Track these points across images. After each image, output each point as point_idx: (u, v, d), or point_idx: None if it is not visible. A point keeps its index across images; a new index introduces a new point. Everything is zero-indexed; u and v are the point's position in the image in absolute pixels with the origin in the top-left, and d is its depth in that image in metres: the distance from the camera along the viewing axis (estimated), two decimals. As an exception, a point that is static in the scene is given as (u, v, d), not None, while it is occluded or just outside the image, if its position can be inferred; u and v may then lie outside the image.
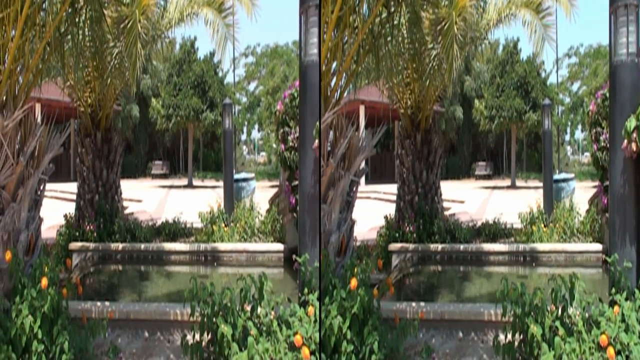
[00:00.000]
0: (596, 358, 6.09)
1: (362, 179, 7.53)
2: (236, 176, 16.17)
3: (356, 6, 7.13)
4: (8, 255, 6.72)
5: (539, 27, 11.92)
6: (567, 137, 29.21)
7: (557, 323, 6.38)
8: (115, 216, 12.70)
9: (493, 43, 22.77)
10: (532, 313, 6.47)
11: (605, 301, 6.66)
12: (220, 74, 27.13)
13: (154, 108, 25.68)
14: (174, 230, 13.45)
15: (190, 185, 24.73)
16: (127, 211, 13.97)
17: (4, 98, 6.89)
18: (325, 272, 6.82)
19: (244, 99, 28.54)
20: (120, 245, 11.85)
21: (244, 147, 29.08)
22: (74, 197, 13.00)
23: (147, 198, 19.96)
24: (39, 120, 7.35)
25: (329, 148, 7.07)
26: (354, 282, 6.55)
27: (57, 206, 13.64)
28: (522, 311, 6.48)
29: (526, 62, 25.41)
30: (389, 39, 7.59)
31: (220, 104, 24.46)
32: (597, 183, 12.65)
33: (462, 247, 11.67)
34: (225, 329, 6.37)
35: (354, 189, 7.34)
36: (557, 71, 28.50)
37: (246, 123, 28.53)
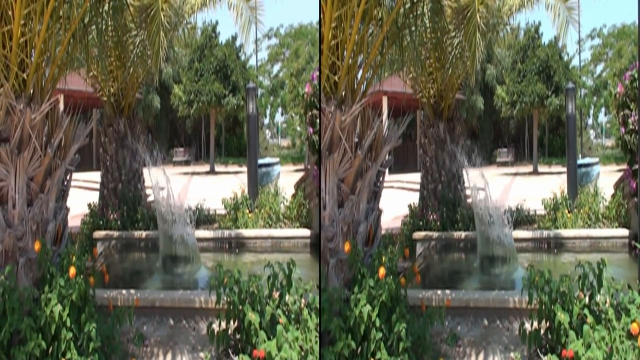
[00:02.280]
0: (626, 347, 6.05)
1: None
2: (260, 161, 16.12)
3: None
4: (37, 245, 6.82)
5: (562, 10, 11.77)
6: (590, 121, 28.93)
7: (586, 311, 6.35)
8: (138, 204, 12.77)
9: (514, 28, 22.58)
10: (558, 300, 6.46)
11: (633, 288, 6.61)
12: (242, 58, 27.05)
13: (175, 95, 25.71)
14: (197, 217, 13.48)
15: (212, 172, 24.75)
16: (149, 199, 14.05)
17: (32, 91, 6.95)
18: (354, 261, 6.85)
19: (267, 82, 28.40)
20: (143, 233, 11.91)
21: (267, 131, 29.00)
22: (98, 186, 13.09)
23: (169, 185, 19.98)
24: (61, 111, 7.41)
25: (356, 140, 7.08)
26: (382, 271, 6.59)
27: (81, 195, 13.73)
28: (548, 298, 6.46)
29: (548, 46, 25.17)
30: (412, 29, 7.57)
31: (243, 88, 24.46)
32: (622, 167, 12.50)
33: (485, 233, 11.63)
34: (253, 316, 6.40)
35: (381, 179, 7.36)
36: (579, 54, 28.19)
37: (269, 106, 28.42)
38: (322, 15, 6.85)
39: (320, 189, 6.89)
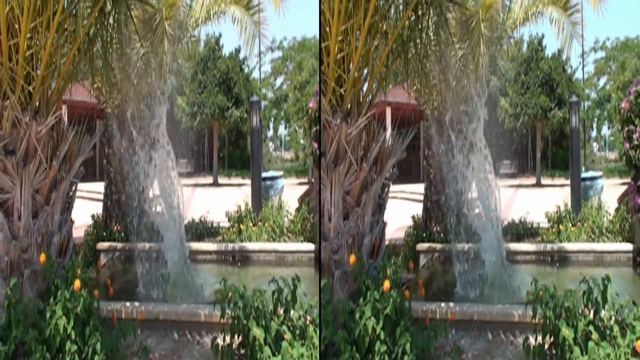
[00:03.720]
0: (632, 364, 6.04)
1: (388, 179, 7.59)
2: (264, 174, 16.12)
3: (386, 12, 7.18)
4: (42, 257, 6.84)
5: (566, 25, 11.78)
6: (594, 134, 28.93)
7: (590, 327, 6.33)
8: (142, 216, 12.76)
9: (517, 41, 22.62)
10: (563, 315, 6.44)
11: (638, 304, 6.59)
12: (246, 70, 27.10)
13: (178, 107, 25.76)
14: (200, 230, 13.48)
15: (215, 184, 24.77)
16: (158, 209, 14.02)
17: (37, 104, 6.99)
18: (359, 273, 6.87)
19: (270, 94, 28.41)
20: (147, 245, 11.88)
21: (270, 144, 29.01)
22: (101, 197, 13.10)
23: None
24: (66, 122, 7.44)
25: (361, 152, 7.11)
26: (386, 284, 6.61)
27: (84, 206, 13.71)
28: (552, 313, 6.45)
29: (551, 59, 25.20)
30: (417, 41, 7.63)
31: (246, 100, 24.50)
32: (625, 180, 12.48)
33: (488, 246, 11.60)
34: (258, 332, 6.40)
35: (386, 191, 7.42)
36: (582, 67, 28.18)
37: (272, 119, 28.43)
38: (322, 30, 6.90)
39: (321, 204, 6.92)
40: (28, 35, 6.78)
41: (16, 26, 6.78)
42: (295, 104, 25.60)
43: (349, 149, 6.93)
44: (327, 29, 6.83)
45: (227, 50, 27.17)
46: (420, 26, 7.62)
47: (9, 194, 6.82)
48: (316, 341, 6.43)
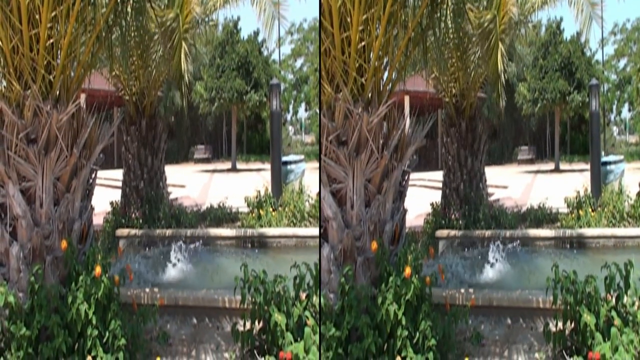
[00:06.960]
0: (655, 350, 6.01)
1: (408, 167, 7.60)
2: (284, 158, 15.95)
3: (405, 1, 7.17)
4: (64, 244, 6.92)
5: (586, 6, 11.66)
6: (613, 117, 28.61)
7: (613, 313, 6.30)
8: (160, 202, 12.80)
9: (536, 25, 22.38)
10: (584, 301, 6.42)
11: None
12: (265, 53, 26.96)
13: (196, 92, 25.73)
14: (219, 216, 13.46)
15: (234, 169, 24.74)
16: (171, 197, 14.07)
17: (58, 93, 7.04)
18: (381, 260, 6.91)
19: (290, 76, 28.21)
20: (166, 231, 11.93)
21: (290, 127, 28.84)
22: (119, 184, 13.14)
23: (190, 183, 19.99)
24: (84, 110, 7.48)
25: (381, 141, 7.12)
26: (408, 271, 6.65)
27: (103, 193, 13.76)
28: (573, 299, 6.44)
29: (570, 42, 24.93)
30: (435, 29, 7.64)
31: (265, 84, 24.39)
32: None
33: (507, 233, 11.55)
34: (279, 317, 6.43)
35: (406, 178, 7.43)
36: (602, 48, 27.84)
37: (292, 101, 28.23)
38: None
39: (345, 192, 6.94)
40: (48, 25, 6.83)
41: (37, 17, 6.83)
42: (316, 86, 25.45)
43: (370, 137, 6.94)
44: (348, 19, 6.84)
45: (245, 33, 26.99)
46: (438, 14, 7.61)
47: (31, 182, 6.89)
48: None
